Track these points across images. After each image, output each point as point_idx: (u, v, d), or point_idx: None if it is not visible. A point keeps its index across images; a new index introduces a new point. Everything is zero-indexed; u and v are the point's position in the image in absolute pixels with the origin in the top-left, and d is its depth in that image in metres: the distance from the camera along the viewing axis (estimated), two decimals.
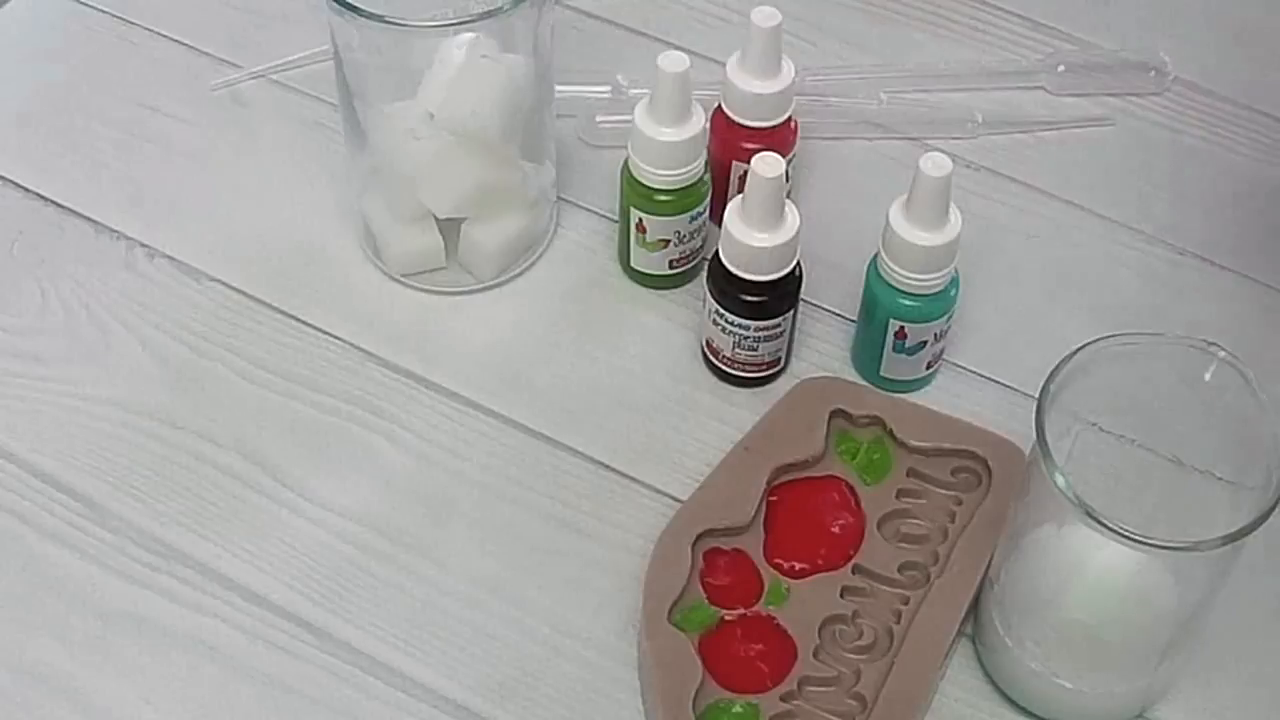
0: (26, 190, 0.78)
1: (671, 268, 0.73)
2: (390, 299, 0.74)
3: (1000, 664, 0.62)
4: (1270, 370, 0.57)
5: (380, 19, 0.64)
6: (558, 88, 0.73)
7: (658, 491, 0.67)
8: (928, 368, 0.70)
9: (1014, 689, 0.62)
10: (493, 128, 0.68)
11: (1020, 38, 0.86)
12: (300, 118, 0.81)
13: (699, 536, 0.63)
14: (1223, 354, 0.56)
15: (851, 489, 0.66)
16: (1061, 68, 0.83)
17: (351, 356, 0.72)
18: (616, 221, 0.74)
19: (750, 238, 0.66)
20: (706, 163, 0.71)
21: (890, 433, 0.67)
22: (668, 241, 0.72)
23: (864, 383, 0.70)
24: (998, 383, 0.71)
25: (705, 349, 0.71)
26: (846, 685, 0.61)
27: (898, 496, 0.66)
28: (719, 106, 0.72)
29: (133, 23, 0.85)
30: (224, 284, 0.74)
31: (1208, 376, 0.56)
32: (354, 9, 0.64)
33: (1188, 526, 0.53)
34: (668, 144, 0.69)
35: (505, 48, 0.68)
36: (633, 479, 0.68)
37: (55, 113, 0.81)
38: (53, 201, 0.77)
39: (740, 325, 0.68)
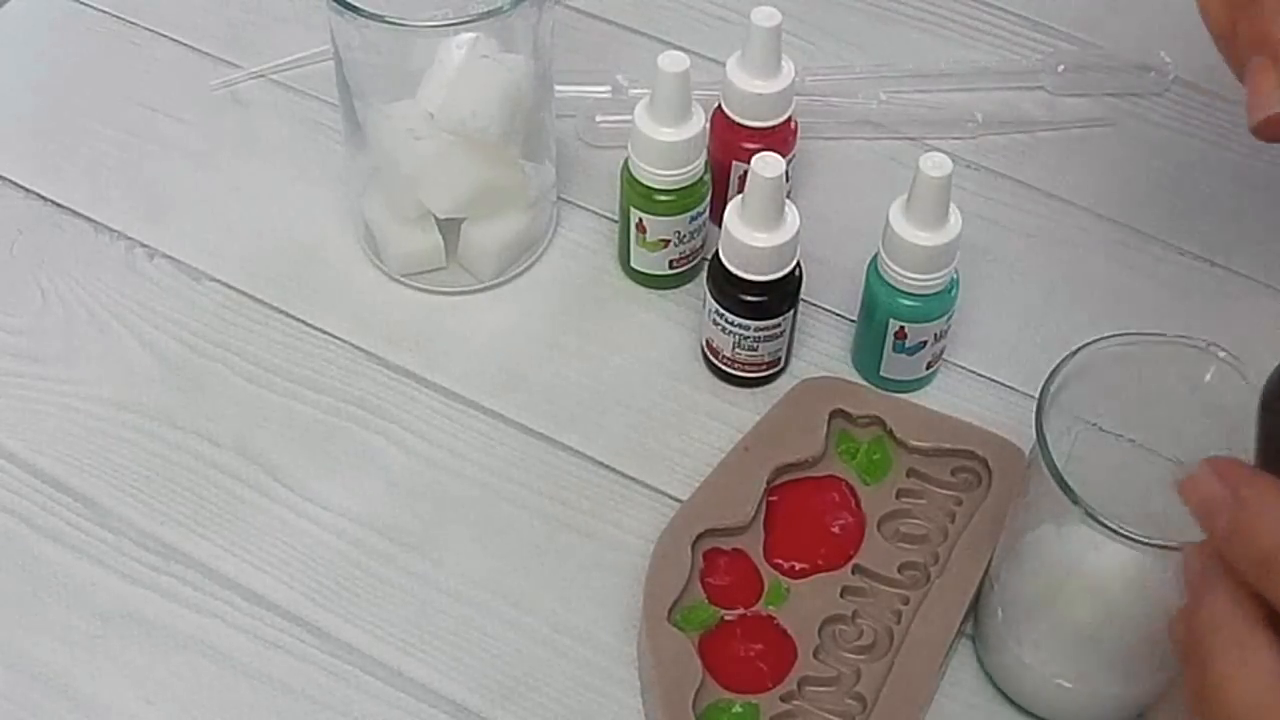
0: (26, 190, 0.78)
1: (671, 268, 0.73)
2: (390, 299, 0.74)
3: (1000, 664, 0.62)
4: (1270, 370, 0.57)
5: (380, 19, 0.64)
6: (558, 88, 0.73)
7: (658, 491, 0.67)
8: (928, 368, 0.70)
9: (1014, 689, 0.62)
10: (493, 128, 0.68)
11: (1020, 38, 0.86)
12: (300, 118, 0.81)
13: (699, 536, 0.63)
14: (1223, 354, 0.56)
15: (851, 489, 0.66)
16: (1061, 68, 0.83)
17: (351, 356, 0.72)
18: (616, 221, 0.74)
19: (750, 238, 0.65)
20: (706, 163, 0.71)
21: (890, 433, 0.67)
22: (668, 241, 0.72)
23: (864, 383, 0.70)
24: (998, 383, 0.71)
25: (705, 349, 0.71)
26: (846, 685, 0.61)
27: (898, 496, 0.66)
28: (719, 106, 0.72)
29: (133, 23, 0.85)
30: (224, 284, 0.74)
31: (1208, 377, 0.56)
32: (354, 9, 0.64)
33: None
34: (668, 144, 0.68)
35: (505, 48, 0.68)
36: (633, 479, 0.68)
37: (55, 113, 0.81)
38: (53, 201, 0.77)
39: (740, 325, 0.68)
